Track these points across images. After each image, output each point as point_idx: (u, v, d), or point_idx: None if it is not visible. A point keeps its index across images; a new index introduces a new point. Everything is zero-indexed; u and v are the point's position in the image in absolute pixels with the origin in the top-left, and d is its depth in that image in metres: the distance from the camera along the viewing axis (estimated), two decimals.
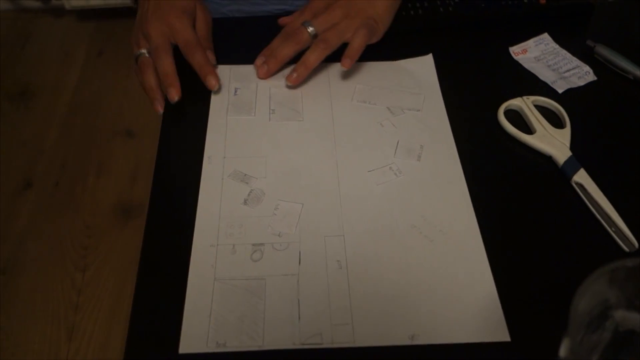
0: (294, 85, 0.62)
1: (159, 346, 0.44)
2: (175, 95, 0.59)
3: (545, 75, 0.65)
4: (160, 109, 0.60)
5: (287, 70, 0.64)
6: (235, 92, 0.62)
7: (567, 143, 0.57)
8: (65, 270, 1.38)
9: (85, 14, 2.04)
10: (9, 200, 1.51)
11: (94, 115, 1.73)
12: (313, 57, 0.61)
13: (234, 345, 0.44)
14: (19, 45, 1.97)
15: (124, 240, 1.43)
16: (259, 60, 0.64)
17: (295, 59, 0.62)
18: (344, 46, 0.62)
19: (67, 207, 1.50)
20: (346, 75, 0.64)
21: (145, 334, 0.45)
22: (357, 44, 0.61)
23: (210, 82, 0.60)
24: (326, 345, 0.44)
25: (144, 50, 0.62)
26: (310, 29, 0.62)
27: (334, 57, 0.62)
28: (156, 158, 0.57)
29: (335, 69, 0.64)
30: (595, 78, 0.64)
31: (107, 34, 2.00)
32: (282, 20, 0.68)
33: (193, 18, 0.64)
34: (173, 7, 0.62)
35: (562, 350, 0.31)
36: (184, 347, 0.44)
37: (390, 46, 0.66)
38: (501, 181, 0.55)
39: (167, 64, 0.60)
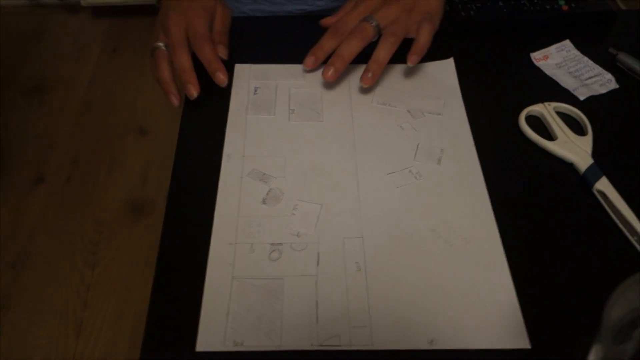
0: (371, 84, 0.60)
1: (175, 343, 0.44)
2: (194, 91, 0.59)
3: (566, 82, 0.64)
4: (176, 102, 0.60)
5: (312, 71, 0.63)
6: (255, 91, 0.62)
7: (589, 150, 0.56)
8: (74, 266, 1.38)
9: (101, 11, 2.05)
10: (20, 194, 1.52)
11: (106, 112, 1.74)
12: (384, 53, 0.59)
13: (251, 344, 0.43)
14: (34, 40, 1.98)
15: (134, 238, 1.43)
16: (310, 60, 0.62)
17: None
18: (365, 51, 0.61)
19: (78, 203, 1.51)
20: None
21: (162, 331, 0.45)
22: (424, 39, 0.60)
23: (219, 78, 0.60)
24: (344, 347, 0.43)
25: (160, 44, 0.61)
26: (374, 24, 0.60)
27: (356, 59, 0.61)
28: (175, 155, 0.57)
29: (356, 70, 0.64)
30: (618, 86, 0.64)
31: (121, 31, 2.01)
32: (326, 21, 0.66)
33: (212, 16, 0.63)
34: (194, 4, 0.62)
35: (592, 355, 0.30)
36: (201, 345, 0.43)
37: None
38: (522, 187, 0.54)
39: (185, 60, 0.59)
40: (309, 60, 0.62)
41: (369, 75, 0.60)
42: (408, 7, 0.62)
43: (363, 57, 0.61)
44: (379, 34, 0.61)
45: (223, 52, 0.63)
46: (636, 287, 0.30)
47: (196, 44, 0.60)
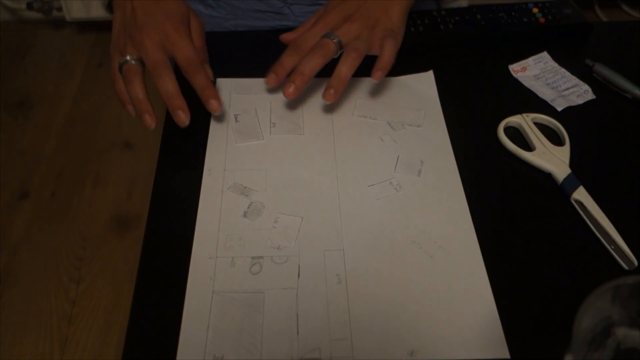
0: (333, 101, 0.59)
1: (155, 357, 0.44)
2: (185, 118, 0.55)
3: (544, 93, 0.65)
4: (153, 123, 0.56)
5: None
6: (236, 119, 0.61)
7: (567, 160, 0.57)
8: (59, 281, 1.37)
9: (86, 26, 2.04)
10: (4, 209, 1.51)
11: (92, 127, 1.73)
12: (346, 68, 0.58)
13: (231, 358, 0.43)
14: (19, 55, 1.97)
15: (119, 252, 1.42)
16: (271, 78, 0.60)
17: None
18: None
19: (63, 217, 1.49)
20: (347, 90, 0.64)
21: (143, 345, 0.44)
22: (388, 55, 0.59)
23: (213, 106, 0.57)
24: None
25: (129, 57, 0.57)
26: (336, 40, 0.59)
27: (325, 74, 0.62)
28: (156, 169, 0.57)
29: None
30: (594, 97, 0.65)
31: (106, 46, 1.98)
32: (286, 37, 0.64)
33: (189, 27, 0.60)
34: (168, 16, 0.57)
35: None
36: (182, 359, 0.43)
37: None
38: (501, 197, 0.55)
39: (171, 84, 0.55)
40: (270, 78, 0.60)
41: (331, 91, 0.58)
42: (370, 24, 0.61)
43: (328, 73, 0.60)
44: (341, 50, 0.60)
45: (210, 74, 0.60)
46: (606, 296, 0.30)
47: (189, 70, 0.57)
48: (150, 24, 0.57)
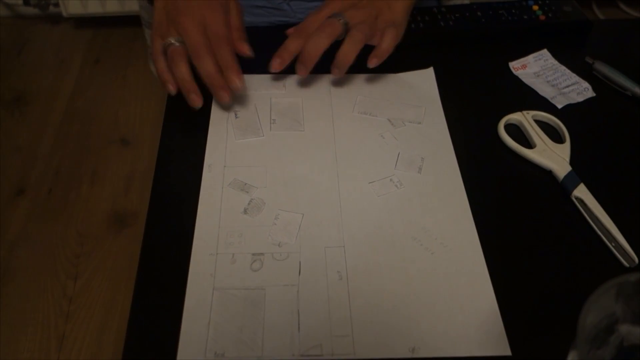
0: (339, 76, 0.61)
1: (156, 355, 0.43)
2: (227, 98, 0.58)
3: (544, 90, 0.65)
4: (200, 102, 0.58)
5: (287, 79, 0.64)
6: (236, 115, 0.61)
7: (567, 158, 0.57)
8: (56, 278, 1.36)
9: (83, 22, 2.04)
10: (1, 206, 1.50)
11: (89, 123, 1.72)
12: (350, 49, 0.59)
13: (232, 355, 0.43)
14: (15, 51, 1.96)
15: (116, 249, 1.42)
16: (276, 62, 0.61)
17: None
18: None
19: (59, 214, 1.49)
20: (347, 86, 0.64)
21: (143, 342, 0.44)
22: (387, 44, 0.60)
23: (235, 84, 0.58)
24: (326, 356, 0.43)
25: (173, 40, 0.59)
26: (342, 20, 0.60)
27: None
28: (156, 166, 0.57)
29: (337, 80, 0.64)
30: (594, 94, 0.65)
31: (103, 42, 2.00)
32: (290, 31, 0.65)
33: (227, 11, 0.61)
34: (207, 0, 0.60)
35: None
36: (182, 356, 0.43)
37: (391, 59, 0.66)
38: (502, 195, 0.55)
39: (211, 65, 0.57)
40: (275, 62, 0.61)
41: (336, 70, 0.60)
42: (373, 13, 0.63)
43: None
44: (345, 33, 0.60)
45: (246, 49, 0.60)
46: (611, 293, 0.30)
47: (214, 43, 0.58)
48: (191, 7, 0.59)
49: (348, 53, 0.59)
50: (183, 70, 0.58)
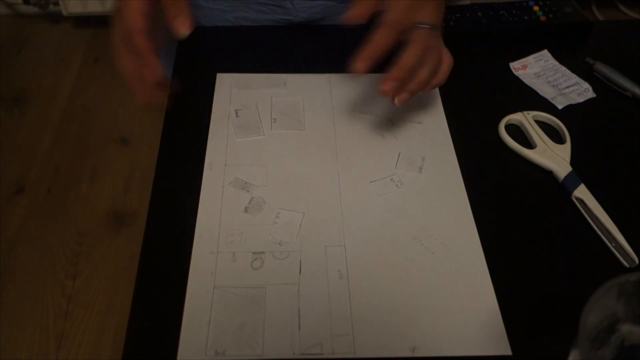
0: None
1: (156, 353, 0.43)
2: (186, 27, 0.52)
3: (545, 91, 0.65)
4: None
5: (287, 78, 0.64)
6: (237, 114, 0.61)
7: (568, 158, 0.57)
8: (55, 277, 1.36)
9: (82, 21, 2.03)
10: (0, 205, 1.50)
11: (88, 122, 1.72)
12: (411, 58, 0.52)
13: (233, 354, 0.43)
14: (15, 50, 1.96)
15: (115, 248, 1.42)
16: (387, 85, 0.52)
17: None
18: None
19: (59, 213, 1.49)
20: (348, 86, 0.64)
21: (143, 340, 0.44)
22: (437, 82, 0.56)
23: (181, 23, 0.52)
24: (326, 355, 0.43)
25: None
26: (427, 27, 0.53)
27: (336, 68, 0.62)
28: (156, 164, 0.57)
29: (338, 79, 0.64)
30: (595, 95, 0.65)
31: (103, 40, 2.00)
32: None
33: None
34: None
35: None
36: (182, 355, 0.43)
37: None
38: (502, 195, 0.55)
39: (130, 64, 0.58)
40: (386, 85, 0.52)
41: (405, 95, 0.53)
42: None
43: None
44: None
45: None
46: (612, 293, 0.30)
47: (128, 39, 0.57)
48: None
49: (408, 64, 0.53)
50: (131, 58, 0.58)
